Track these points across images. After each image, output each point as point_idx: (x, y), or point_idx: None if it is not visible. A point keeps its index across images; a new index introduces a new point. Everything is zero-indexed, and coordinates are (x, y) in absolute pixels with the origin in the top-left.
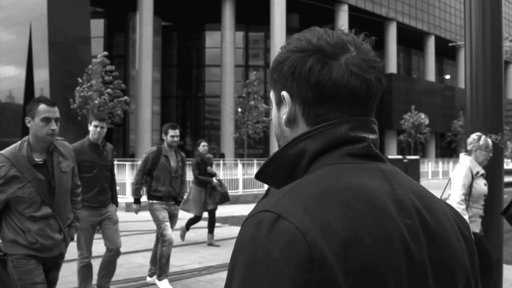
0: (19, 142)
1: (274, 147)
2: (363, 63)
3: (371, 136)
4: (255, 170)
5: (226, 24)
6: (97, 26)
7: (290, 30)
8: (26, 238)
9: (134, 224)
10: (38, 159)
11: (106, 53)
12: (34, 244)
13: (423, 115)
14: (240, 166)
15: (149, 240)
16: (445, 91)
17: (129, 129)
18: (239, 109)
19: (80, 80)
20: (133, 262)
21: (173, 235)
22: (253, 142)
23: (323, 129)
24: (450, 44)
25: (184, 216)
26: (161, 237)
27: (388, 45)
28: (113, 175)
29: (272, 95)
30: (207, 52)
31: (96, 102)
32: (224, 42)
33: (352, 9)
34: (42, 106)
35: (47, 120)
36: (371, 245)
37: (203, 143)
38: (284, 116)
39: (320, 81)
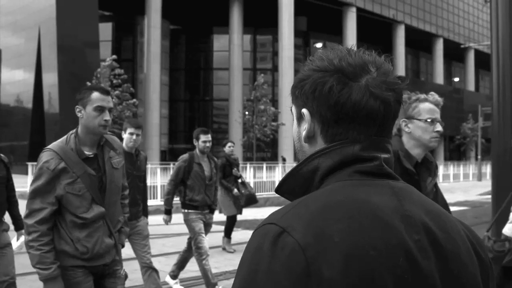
0: (66, 135)
1: (282, 150)
2: (383, 85)
3: (384, 156)
4: (264, 173)
5: (234, 27)
6: (105, 30)
7: (298, 33)
8: (75, 248)
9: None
10: (88, 152)
11: (115, 56)
12: (84, 253)
13: None
14: (251, 169)
15: (163, 245)
16: (454, 94)
17: None
18: (247, 112)
19: (89, 84)
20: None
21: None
22: (264, 145)
23: (336, 148)
24: (462, 46)
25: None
26: (197, 250)
27: (396, 48)
28: (145, 185)
29: (293, 110)
30: (215, 55)
31: None
32: (232, 45)
33: (360, 11)
34: (95, 94)
35: (100, 109)
36: (374, 258)
37: (229, 144)
38: (304, 133)
39: (339, 102)
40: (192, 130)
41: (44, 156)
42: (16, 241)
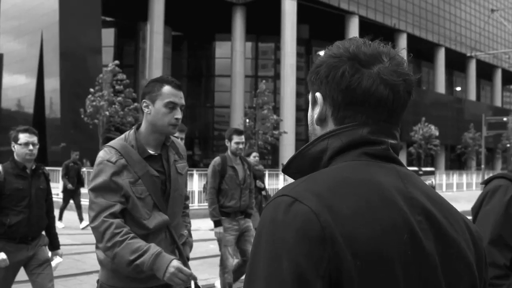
0: (125, 133)
1: (283, 158)
2: (394, 74)
3: (391, 141)
4: (267, 180)
5: (236, 34)
6: (107, 36)
7: (300, 41)
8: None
9: None
10: (152, 151)
11: (117, 62)
12: (141, 272)
13: (433, 127)
14: None
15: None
16: (455, 104)
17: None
18: (247, 120)
19: (92, 90)
20: None
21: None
22: (266, 152)
23: (346, 130)
24: (468, 55)
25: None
26: (222, 263)
27: None
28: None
29: (309, 96)
30: (217, 62)
31: (107, 113)
32: (234, 52)
33: (363, 20)
34: (167, 88)
35: (172, 106)
36: (380, 233)
37: (254, 154)
38: (316, 115)
39: (350, 87)
40: (193, 136)
41: (102, 153)
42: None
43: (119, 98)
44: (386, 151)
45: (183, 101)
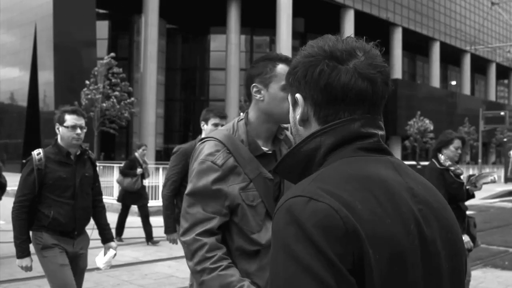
0: (232, 121)
1: None
2: (370, 67)
3: (380, 132)
4: None
5: (231, 27)
6: (101, 28)
7: (295, 35)
8: None
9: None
10: (265, 148)
11: (113, 54)
12: None
13: (427, 121)
14: None
15: (170, 248)
16: (449, 98)
17: (133, 132)
18: (241, 114)
19: (87, 82)
20: (159, 273)
21: None
22: None
23: (337, 126)
24: (467, 48)
25: None
26: None
27: (393, 51)
28: None
29: (289, 97)
30: (211, 55)
31: (104, 105)
32: (229, 45)
33: (358, 14)
34: (282, 68)
35: (285, 87)
36: (391, 225)
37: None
38: (298, 116)
39: (329, 84)
40: (187, 130)
41: (207, 146)
42: (103, 256)
43: (116, 92)
44: (378, 143)
45: None
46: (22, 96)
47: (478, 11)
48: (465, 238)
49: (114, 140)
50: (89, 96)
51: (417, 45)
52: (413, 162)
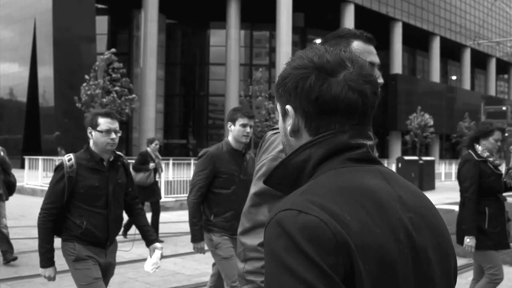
0: None
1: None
2: (360, 78)
3: (369, 142)
4: None
5: (231, 22)
6: (101, 23)
7: (295, 29)
8: None
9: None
10: None
11: (114, 50)
12: None
13: (427, 116)
14: None
15: (175, 245)
16: (449, 93)
17: (132, 128)
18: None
19: (87, 77)
20: (165, 270)
21: None
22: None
23: (327, 138)
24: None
25: None
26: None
27: (393, 46)
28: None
29: (278, 107)
30: (211, 50)
31: (105, 100)
32: (229, 40)
33: (358, 8)
34: (357, 44)
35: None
36: (380, 235)
37: None
38: (289, 128)
39: (320, 96)
40: (187, 125)
41: (280, 140)
42: (150, 258)
43: (116, 88)
44: (367, 154)
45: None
46: (22, 92)
47: (478, 6)
48: (470, 240)
49: None
50: (88, 92)
51: (417, 40)
52: (415, 157)
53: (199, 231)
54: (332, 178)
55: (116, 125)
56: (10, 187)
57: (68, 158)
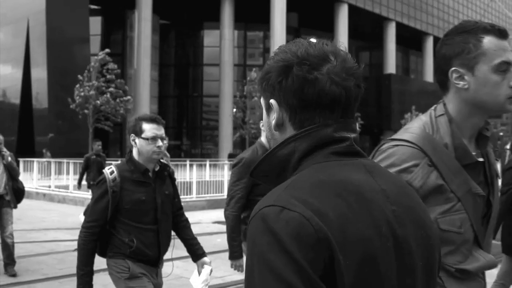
0: (426, 116)
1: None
2: (343, 72)
3: (353, 135)
4: None
5: (225, 22)
6: (94, 24)
7: (289, 29)
8: None
9: None
10: (475, 152)
11: (108, 50)
12: None
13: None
14: None
15: (176, 248)
16: (440, 92)
17: (126, 129)
18: (234, 109)
19: (80, 78)
20: (167, 273)
21: None
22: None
23: (311, 131)
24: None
25: None
26: None
27: (387, 45)
28: None
29: (262, 101)
30: (205, 51)
31: (98, 102)
32: (223, 41)
33: (352, 8)
34: (489, 40)
35: (506, 68)
36: (363, 230)
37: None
38: (273, 122)
39: (304, 90)
40: (181, 126)
41: (400, 156)
42: (197, 274)
43: (111, 89)
44: (351, 147)
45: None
46: (15, 93)
47: (472, 6)
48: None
49: (108, 137)
50: (82, 93)
51: (410, 40)
52: None
53: (238, 247)
54: (315, 173)
55: (162, 131)
56: (19, 194)
57: (110, 171)
